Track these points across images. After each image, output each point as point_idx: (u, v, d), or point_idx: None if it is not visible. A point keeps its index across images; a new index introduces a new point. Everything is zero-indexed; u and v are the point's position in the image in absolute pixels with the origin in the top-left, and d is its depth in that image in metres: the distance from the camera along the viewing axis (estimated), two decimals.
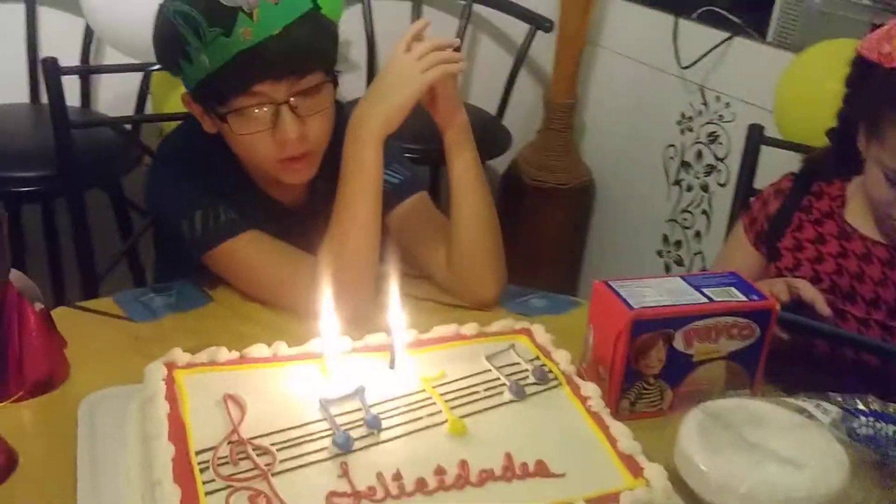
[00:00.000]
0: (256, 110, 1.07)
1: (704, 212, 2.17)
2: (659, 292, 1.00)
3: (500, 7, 2.37)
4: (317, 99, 1.10)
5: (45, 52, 2.01)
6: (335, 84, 1.13)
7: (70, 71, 1.47)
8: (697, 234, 2.20)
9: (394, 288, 0.93)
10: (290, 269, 1.15)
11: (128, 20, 1.58)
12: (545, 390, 0.95)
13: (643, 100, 2.34)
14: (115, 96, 2.11)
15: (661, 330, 0.96)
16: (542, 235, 2.45)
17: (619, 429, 0.89)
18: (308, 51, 1.07)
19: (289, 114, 1.07)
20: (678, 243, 2.26)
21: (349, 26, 2.28)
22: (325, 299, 0.93)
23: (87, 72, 1.91)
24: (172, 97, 1.62)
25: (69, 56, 1.96)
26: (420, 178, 1.32)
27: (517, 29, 2.37)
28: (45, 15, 2.00)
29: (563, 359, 0.99)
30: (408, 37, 1.12)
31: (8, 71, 1.97)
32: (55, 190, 1.69)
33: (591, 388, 0.95)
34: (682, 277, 1.05)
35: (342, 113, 1.19)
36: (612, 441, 0.88)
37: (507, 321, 1.06)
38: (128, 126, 1.90)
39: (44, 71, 1.43)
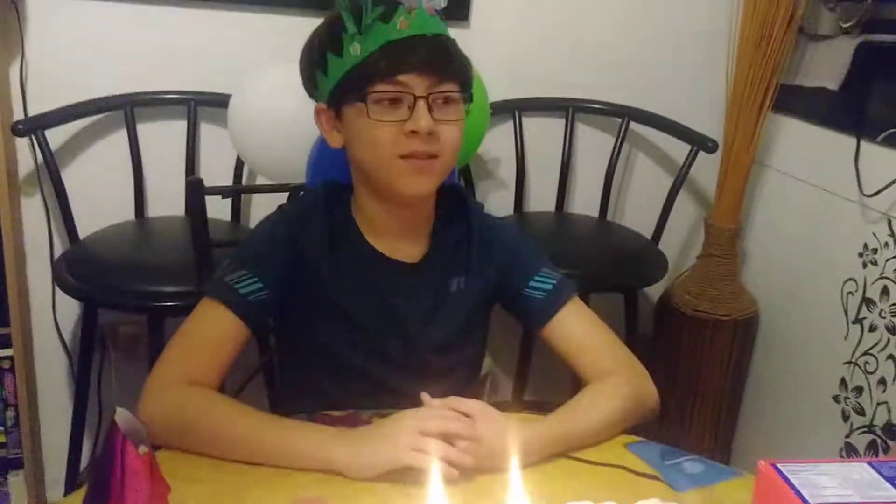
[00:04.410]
0: (393, 100, 1.09)
1: (891, 356, 1.91)
2: (841, 483, 0.82)
3: (659, 126, 2.26)
4: (451, 109, 1.13)
5: (202, 168, 2.08)
6: (467, 106, 1.16)
7: (213, 191, 1.47)
8: (882, 382, 1.93)
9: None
10: (181, 360, 1.09)
11: (271, 150, 1.61)
12: None
13: (818, 228, 2.13)
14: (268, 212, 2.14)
15: None
16: (699, 371, 2.24)
17: None
18: (453, 59, 1.13)
19: (425, 108, 1.09)
20: (859, 389, 1.99)
21: (498, 143, 2.24)
22: None
23: (230, 192, 1.94)
24: None
25: (225, 169, 2.02)
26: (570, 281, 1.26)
27: (677, 147, 2.25)
28: (205, 133, 2.07)
29: None
30: (448, 403, 1.04)
31: (166, 186, 2.03)
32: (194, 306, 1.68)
33: None
34: (871, 464, 0.86)
35: (465, 196, 1.26)
36: None
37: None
38: None
39: (187, 190, 1.44)
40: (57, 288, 1.96)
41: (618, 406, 1.13)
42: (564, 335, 1.22)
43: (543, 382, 2.36)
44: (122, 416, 0.92)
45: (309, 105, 1.21)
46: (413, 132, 1.09)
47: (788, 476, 0.84)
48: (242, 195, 2.07)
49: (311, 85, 1.19)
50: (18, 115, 1.93)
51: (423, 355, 1.20)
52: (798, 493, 0.80)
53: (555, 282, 1.23)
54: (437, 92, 1.10)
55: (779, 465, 0.85)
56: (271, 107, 1.65)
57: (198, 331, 1.11)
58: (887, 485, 0.82)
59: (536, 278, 1.22)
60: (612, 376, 1.17)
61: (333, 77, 1.12)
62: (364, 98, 1.09)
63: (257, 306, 1.13)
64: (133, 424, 0.93)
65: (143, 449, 0.92)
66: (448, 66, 1.11)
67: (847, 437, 2.02)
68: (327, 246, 1.16)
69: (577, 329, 1.22)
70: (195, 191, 1.43)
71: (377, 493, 0.97)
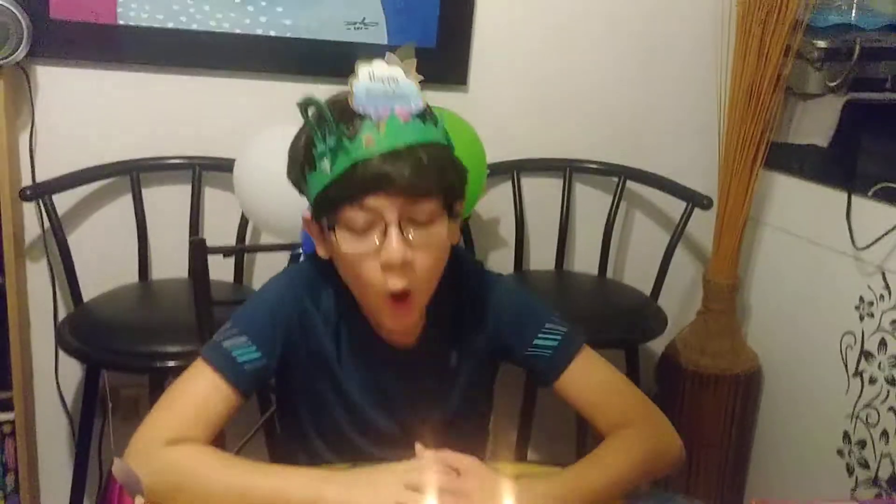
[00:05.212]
0: (364, 226, 1.01)
1: (892, 409, 1.91)
2: None
3: (655, 184, 2.30)
4: (429, 231, 1.03)
5: (206, 232, 2.11)
6: (453, 219, 1.07)
7: (216, 251, 1.50)
8: (884, 434, 1.93)
9: None
10: (167, 421, 1.04)
11: (276, 208, 1.63)
12: None
13: (814, 282, 2.15)
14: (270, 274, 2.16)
15: None
16: (703, 427, 2.23)
17: None
18: (429, 174, 1.00)
19: (397, 235, 1.00)
20: (862, 443, 1.98)
21: (498, 203, 2.28)
22: None
23: (233, 251, 1.96)
24: None
25: (228, 233, 2.06)
26: (579, 330, 1.20)
27: (673, 205, 2.28)
28: (209, 197, 2.11)
29: None
30: (440, 457, 1.01)
31: (171, 250, 2.07)
32: None
33: None
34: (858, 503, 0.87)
35: (461, 259, 1.17)
36: None
37: None
38: None
39: (190, 250, 1.47)
40: (60, 351, 1.98)
41: (634, 461, 1.08)
42: (577, 389, 1.17)
43: (547, 442, 2.35)
44: (118, 466, 0.93)
45: None
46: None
47: None
48: (245, 256, 2.10)
49: (298, 190, 1.13)
50: (27, 180, 1.97)
51: (418, 435, 1.09)
52: None
53: (560, 336, 1.18)
54: (412, 216, 1.01)
55: None
56: (276, 166, 1.68)
57: (188, 393, 1.07)
58: None
59: (540, 335, 1.18)
60: (628, 429, 1.12)
61: (311, 193, 1.06)
62: (334, 225, 1.03)
63: (253, 375, 1.09)
64: (129, 475, 0.94)
65: (139, 500, 0.93)
66: (423, 182, 1.00)
67: (853, 490, 2.00)
68: (333, 320, 1.14)
69: (590, 382, 1.17)
70: (198, 250, 1.46)
71: None
